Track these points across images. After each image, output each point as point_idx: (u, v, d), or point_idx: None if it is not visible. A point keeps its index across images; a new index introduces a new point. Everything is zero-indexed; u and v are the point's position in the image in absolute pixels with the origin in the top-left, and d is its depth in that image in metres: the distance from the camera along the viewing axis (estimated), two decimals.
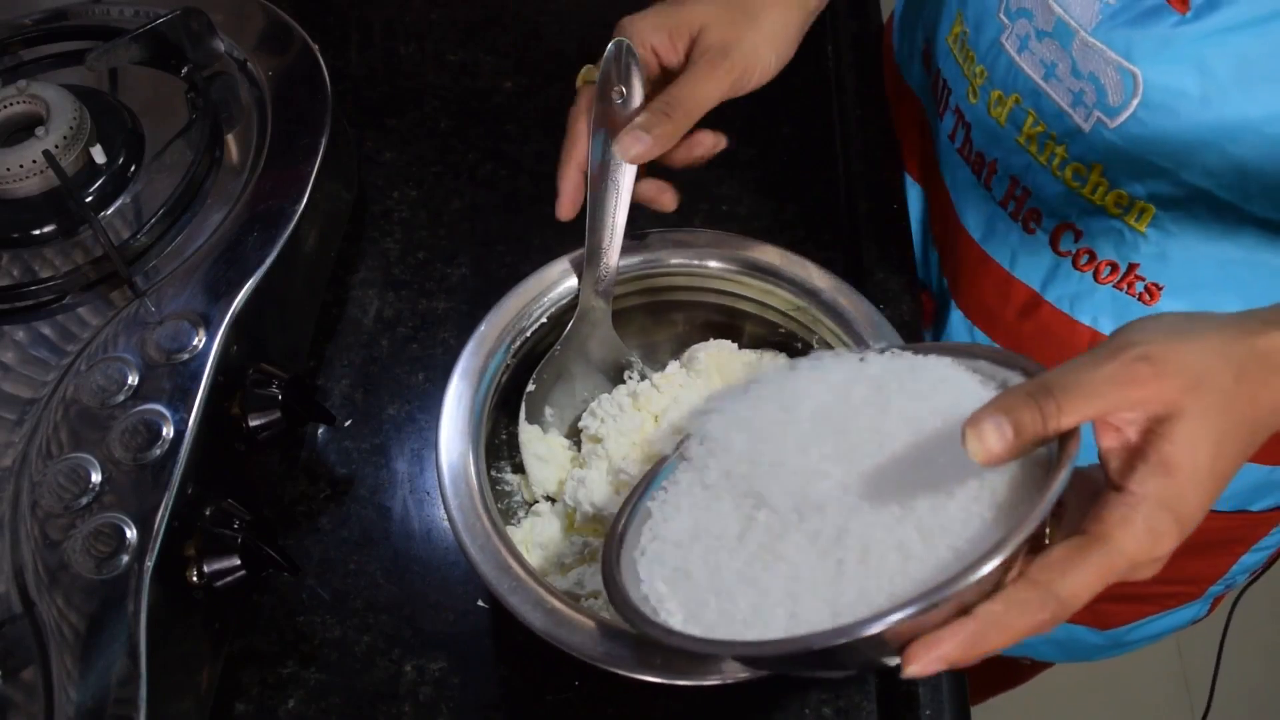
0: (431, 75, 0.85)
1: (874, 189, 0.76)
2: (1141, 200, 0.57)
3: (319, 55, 0.71)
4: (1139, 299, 0.61)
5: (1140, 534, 0.37)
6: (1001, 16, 0.61)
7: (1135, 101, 0.54)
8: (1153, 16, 0.52)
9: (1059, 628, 0.85)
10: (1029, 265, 0.65)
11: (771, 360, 0.61)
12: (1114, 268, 0.61)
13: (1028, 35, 0.59)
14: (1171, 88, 0.53)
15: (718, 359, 0.61)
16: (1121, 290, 0.61)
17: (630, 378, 0.61)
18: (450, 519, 0.51)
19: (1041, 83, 0.59)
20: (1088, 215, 0.60)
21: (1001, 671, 1.10)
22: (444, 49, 0.87)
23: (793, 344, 0.62)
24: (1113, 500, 0.37)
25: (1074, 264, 0.62)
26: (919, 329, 0.69)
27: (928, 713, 0.54)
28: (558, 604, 0.48)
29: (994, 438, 0.37)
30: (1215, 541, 0.72)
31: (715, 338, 0.63)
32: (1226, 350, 0.38)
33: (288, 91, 0.69)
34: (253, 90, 0.70)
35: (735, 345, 0.62)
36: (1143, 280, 0.60)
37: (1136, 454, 0.37)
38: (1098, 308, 0.63)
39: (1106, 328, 0.63)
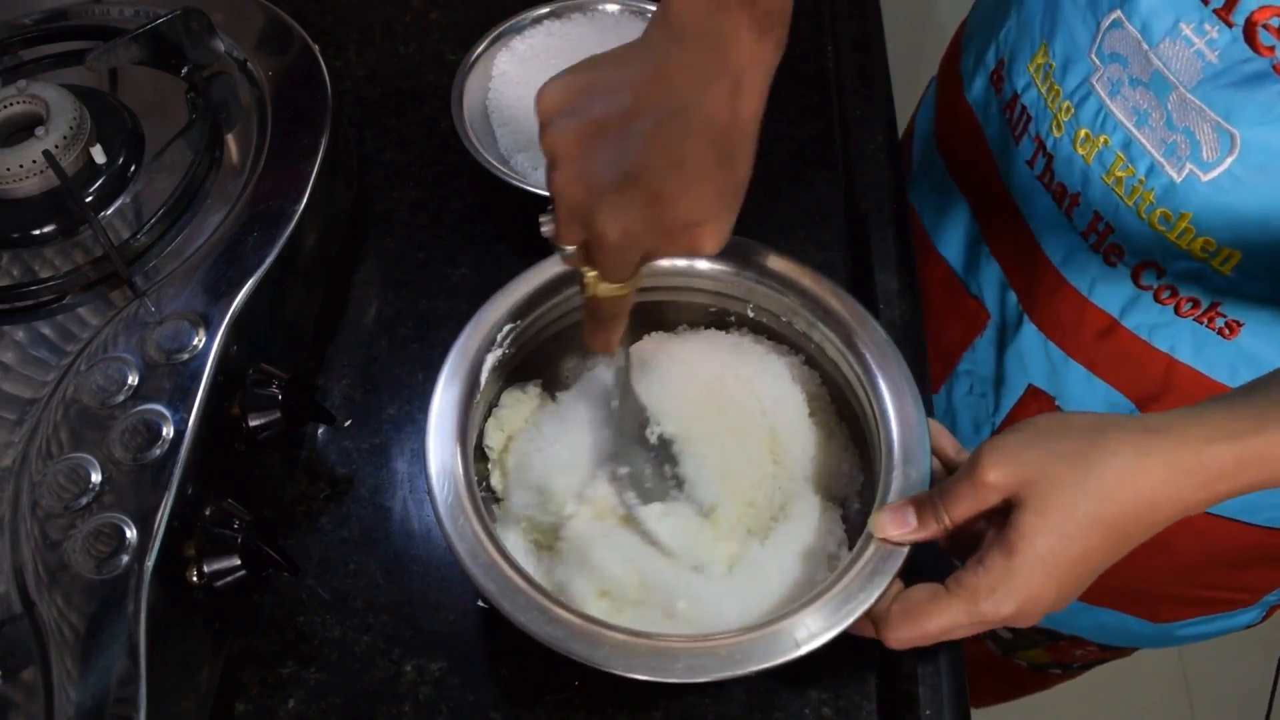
0: (431, 75, 0.85)
1: (874, 189, 0.76)
2: (1228, 248, 0.57)
3: (319, 55, 0.71)
4: (1219, 333, 0.61)
5: (973, 600, 0.46)
6: (1093, 58, 0.60)
7: (1231, 159, 0.54)
8: (1256, 82, 0.52)
9: (1108, 615, 0.85)
10: (1108, 293, 0.65)
11: (710, 338, 0.62)
12: (1195, 303, 0.61)
13: (1120, 80, 0.58)
14: (1271, 149, 0.52)
15: (660, 351, 0.62)
16: (1202, 324, 0.61)
17: (651, 434, 0.59)
18: (439, 521, 0.50)
19: (1133, 129, 0.58)
20: (1172, 257, 0.59)
21: (1008, 681, 1.09)
22: (444, 49, 0.87)
23: (725, 318, 0.63)
24: (966, 567, 0.47)
25: (1155, 298, 0.62)
26: (919, 330, 0.69)
27: (928, 713, 0.54)
28: (557, 609, 0.48)
29: (895, 531, 0.49)
30: (1263, 557, 0.71)
31: (650, 332, 0.64)
32: (1081, 454, 0.45)
33: (288, 91, 0.69)
34: (253, 90, 0.70)
35: (667, 334, 0.63)
36: (1224, 317, 0.60)
37: (994, 538, 0.47)
38: (1176, 338, 0.63)
39: (1184, 356, 0.63)
